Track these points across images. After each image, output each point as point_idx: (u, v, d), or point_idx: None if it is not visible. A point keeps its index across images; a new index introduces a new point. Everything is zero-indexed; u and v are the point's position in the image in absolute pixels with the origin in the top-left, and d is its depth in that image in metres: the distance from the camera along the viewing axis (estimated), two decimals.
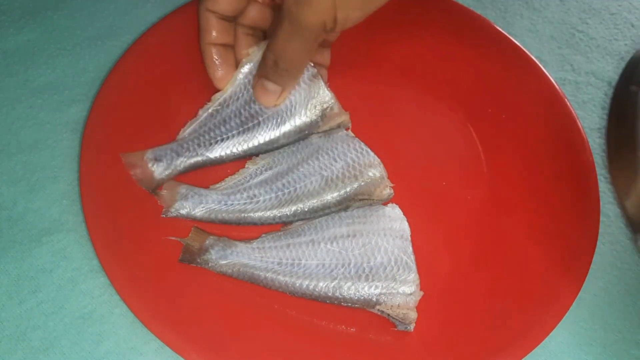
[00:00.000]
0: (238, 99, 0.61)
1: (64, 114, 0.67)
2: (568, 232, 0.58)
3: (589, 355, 0.56)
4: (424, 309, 0.53)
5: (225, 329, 0.52)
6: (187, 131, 0.61)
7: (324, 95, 0.60)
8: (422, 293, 0.53)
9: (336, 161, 0.59)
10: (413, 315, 0.52)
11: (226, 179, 0.60)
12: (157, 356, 0.53)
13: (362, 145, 0.59)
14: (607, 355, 0.56)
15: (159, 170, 0.58)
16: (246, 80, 0.61)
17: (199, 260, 0.55)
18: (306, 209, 0.57)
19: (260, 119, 0.61)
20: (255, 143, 0.61)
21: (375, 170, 0.58)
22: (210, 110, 0.61)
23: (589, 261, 0.57)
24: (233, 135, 0.61)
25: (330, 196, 0.57)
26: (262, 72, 0.58)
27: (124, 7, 0.76)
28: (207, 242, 0.56)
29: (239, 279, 0.55)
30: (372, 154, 0.59)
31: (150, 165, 0.58)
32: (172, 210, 0.57)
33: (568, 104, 0.66)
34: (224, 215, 0.58)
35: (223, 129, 0.61)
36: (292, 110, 0.60)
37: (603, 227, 0.61)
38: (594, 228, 0.59)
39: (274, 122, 0.61)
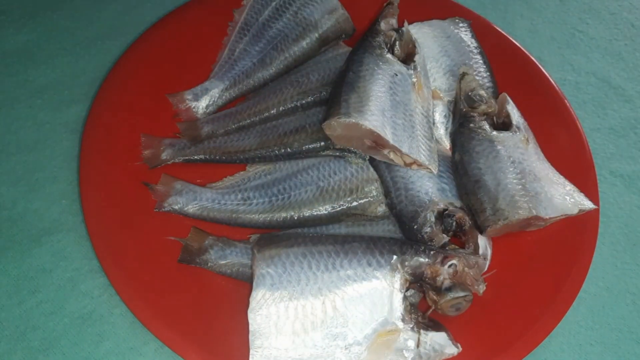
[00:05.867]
0: (256, 20, 0.68)
1: (64, 114, 0.67)
2: (568, 232, 0.58)
3: (589, 355, 0.56)
4: (424, 309, 0.53)
5: (225, 329, 0.51)
6: (217, 64, 0.66)
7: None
8: None
9: (335, 174, 0.58)
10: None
11: (224, 178, 0.61)
12: (157, 356, 0.53)
13: (365, 162, 0.59)
14: (607, 355, 0.56)
15: (201, 106, 0.63)
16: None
17: (198, 261, 0.55)
18: (296, 218, 0.57)
19: (284, 34, 0.66)
20: (285, 57, 0.66)
21: (371, 186, 0.57)
22: (235, 32, 0.68)
23: (588, 261, 0.57)
24: (262, 53, 0.66)
25: (323, 207, 0.57)
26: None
27: (124, 7, 0.77)
28: (207, 242, 0.56)
29: (238, 279, 0.55)
30: (371, 170, 0.58)
31: (192, 104, 0.64)
32: (165, 204, 0.57)
33: (568, 104, 0.66)
34: (215, 214, 0.58)
35: (254, 52, 0.66)
36: (313, 21, 0.67)
37: (603, 227, 0.61)
38: (594, 228, 0.59)
39: (298, 34, 0.66)
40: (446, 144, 0.62)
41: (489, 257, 0.56)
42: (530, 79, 0.68)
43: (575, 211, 0.57)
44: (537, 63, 0.69)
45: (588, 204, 0.58)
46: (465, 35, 0.69)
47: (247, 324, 0.49)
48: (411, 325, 0.49)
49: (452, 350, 0.49)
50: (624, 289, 0.60)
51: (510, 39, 0.71)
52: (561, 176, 0.59)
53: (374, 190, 0.57)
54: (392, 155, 0.56)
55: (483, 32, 0.71)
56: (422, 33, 0.68)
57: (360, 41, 0.63)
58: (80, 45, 0.72)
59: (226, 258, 0.55)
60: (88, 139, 0.60)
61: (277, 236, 0.54)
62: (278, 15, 0.67)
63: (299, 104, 0.63)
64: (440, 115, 0.63)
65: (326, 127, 0.55)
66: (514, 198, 0.54)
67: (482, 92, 0.61)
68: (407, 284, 0.50)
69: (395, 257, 0.50)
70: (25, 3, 0.75)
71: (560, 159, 0.61)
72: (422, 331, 0.49)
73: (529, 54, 0.70)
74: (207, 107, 0.64)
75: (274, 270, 0.50)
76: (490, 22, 0.72)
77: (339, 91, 0.57)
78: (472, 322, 0.53)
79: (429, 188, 0.57)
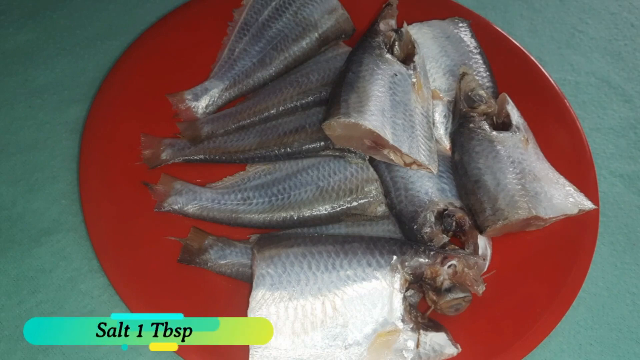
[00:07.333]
0: (256, 20, 0.68)
1: (64, 113, 0.67)
2: (568, 232, 0.58)
3: (589, 355, 0.56)
4: (424, 309, 0.53)
5: None
6: (217, 64, 0.66)
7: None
8: None
9: (335, 174, 0.58)
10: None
11: (224, 178, 0.61)
12: (157, 356, 0.53)
13: (365, 162, 0.59)
14: (607, 355, 0.56)
15: (201, 106, 0.64)
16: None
17: (198, 261, 0.55)
18: (295, 218, 0.57)
19: (283, 34, 0.66)
20: (285, 57, 0.66)
21: (371, 186, 0.57)
22: (235, 32, 0.67)
23: (588, 261, 0.57)
24: (262, 53, 0.66)
25: (323, 207, 0.57)
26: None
27: (124, 7, 0.77)
28: (206, 242, 0.56)
29: (237, 279, 0.55)
30: (371, 170, 0.58)
31: (192, 104, 0.64)
32: (165, 204, 0.57)
33: (568, 104, 0.66)
34: (215, 214, 0.58)
35: (254, 52, 0.66)
36: (312, 21, 0.67)
37: (603, 227, 0.61)
38: (594, 228, 0.58)
39: (298, 34, 0.66)
40: (446, 144, 0.62)
41: (488, 258, 0.56)
42: (530, 79, 0.68)
43: (575, 211, 0.57)
44: (537, 63, 0.69)
45: (588, 204, 0.58)
46: (465, 35, 0.69)
47: None
48: (411, 326, 0.49)
49: (452, 350, 0.49)
50: (624, 289, 0.60)
51: (510, 39, 0.71)
52: (561, 176, 0.59)
53: (374, 190, 0.57)
54: (392, 155, 0.56)
55: (483, 32, 0.71)
56: (421, 33, 0.68)
57: (359, 42, 0.63)
58: (80, 45, 0.72)
59: (226, 258, 0.55)
60: (88, 139, 0.60)
61: (277, 236, 0.54)
62: (278, 15, 0.67)
63: (298, 104, 0.63)
64: (440, 115, 0.63)
65: (326, 127, 0.55)
66: (514, 198, 0.54)
67: (482, 92, 0.61)
68: (407, 285, 0.50)
69: (395, 257, 0.50)
70: (25, 3, 0.75)
71: (560, 159, 0.61)
72: (421, 331, 0.49)
73: (529, 54, 0.70)
74: (207, 107, 0.64)
75: (274, 270, 0.50)
76: (490, 22, 0.72)
77: (339, 91, 0.57)
78: (472, 322, 0.53)
79: (429, 188, 0.57)
